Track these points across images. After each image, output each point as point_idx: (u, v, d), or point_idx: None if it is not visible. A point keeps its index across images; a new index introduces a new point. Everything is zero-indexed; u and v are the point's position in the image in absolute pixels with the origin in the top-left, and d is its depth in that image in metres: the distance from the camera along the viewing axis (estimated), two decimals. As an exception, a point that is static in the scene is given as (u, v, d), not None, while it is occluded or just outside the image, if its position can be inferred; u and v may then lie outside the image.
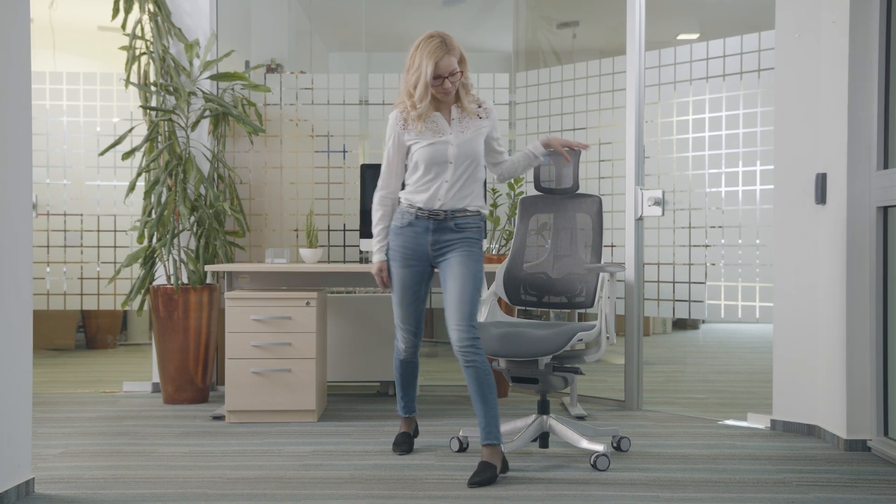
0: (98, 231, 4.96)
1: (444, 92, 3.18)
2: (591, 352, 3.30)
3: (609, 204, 4.46)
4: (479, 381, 3.02)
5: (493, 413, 3.03)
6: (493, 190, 4.64)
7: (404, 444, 3.44)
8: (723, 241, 4.11)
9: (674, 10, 6.55)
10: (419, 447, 3.49)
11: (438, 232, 3.20)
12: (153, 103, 4.55)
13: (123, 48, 4.56)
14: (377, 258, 3.31)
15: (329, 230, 4.86)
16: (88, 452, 3.43)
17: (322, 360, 4.16)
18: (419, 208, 3.21)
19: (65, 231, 4.96)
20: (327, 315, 4.51)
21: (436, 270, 3.27)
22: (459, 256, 3.18)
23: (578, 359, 3.31)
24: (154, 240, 4.48)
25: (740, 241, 4.06)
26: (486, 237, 3.30)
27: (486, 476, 2.97)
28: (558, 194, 3.56)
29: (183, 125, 4.51)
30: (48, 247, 4.95)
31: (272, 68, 5.62)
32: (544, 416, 3.33)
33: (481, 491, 2.89)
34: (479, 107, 3.29)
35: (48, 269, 4.96)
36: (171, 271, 4.47)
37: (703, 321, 8.52)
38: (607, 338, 3.28)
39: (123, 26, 4.56)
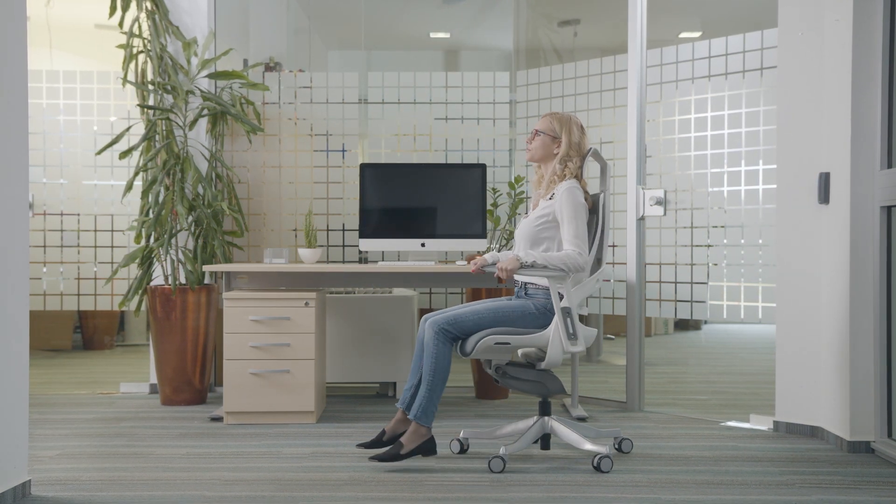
0: (95, 231, 4.93)
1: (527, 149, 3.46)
2: (545, 360, 3.19)
3: (610, 203, 4.42)
4: (429, 361, 3.18)
5: (424, 394, 3.16)
6: (493, 189, 4.62)
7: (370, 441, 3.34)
8: (725, 241, 4.09)
9: (675, 8, 6.53)
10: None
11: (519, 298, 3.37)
12: (151, 102, 4.53)
13: (121, 46, 4.54)
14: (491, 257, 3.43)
15: (328, 230, 4.83)
16: (85, 454, 3.40)
17: (321, 360, 4.13)
18: None
19: (62, 231, 4.93)
20: (326, 315, 4.48)
21: None
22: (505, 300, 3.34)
23: (536, 365, 3.26)
24: (152, 240, 4.45)
25: (743, 241, 4.03)
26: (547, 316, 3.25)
27: (388, 454, 3.15)
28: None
29: (181, 124, 4.48)
30: (45, 247, 4.92)
31: (271, 67, 5.59)
32: (546, 418, 3.30)
33: (482, 493, 2.86)
34: (556, 190, 3.33)
35: (45, 270, 4.93)
36: (169, 271, 4.44)
37: (706, 322, 8.49)
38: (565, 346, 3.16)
39: (121, 24, 4.53)
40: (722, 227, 4.10)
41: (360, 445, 3.33)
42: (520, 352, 3.36)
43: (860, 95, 3.42)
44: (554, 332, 3.17)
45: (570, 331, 3.16)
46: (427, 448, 3.20)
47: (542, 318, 3.23)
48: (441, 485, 2.96)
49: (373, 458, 3.17)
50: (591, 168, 4.55)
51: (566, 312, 3.16)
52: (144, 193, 4.44)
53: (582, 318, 4.39)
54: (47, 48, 5.99)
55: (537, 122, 3.45)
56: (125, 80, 4.52)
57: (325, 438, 3.65)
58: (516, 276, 3.34)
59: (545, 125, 3.39)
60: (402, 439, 3.19)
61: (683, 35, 6.95)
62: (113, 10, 4.50)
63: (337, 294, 4.72)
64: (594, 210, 3.42)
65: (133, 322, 6.97)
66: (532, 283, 3.31)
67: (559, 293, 3.16)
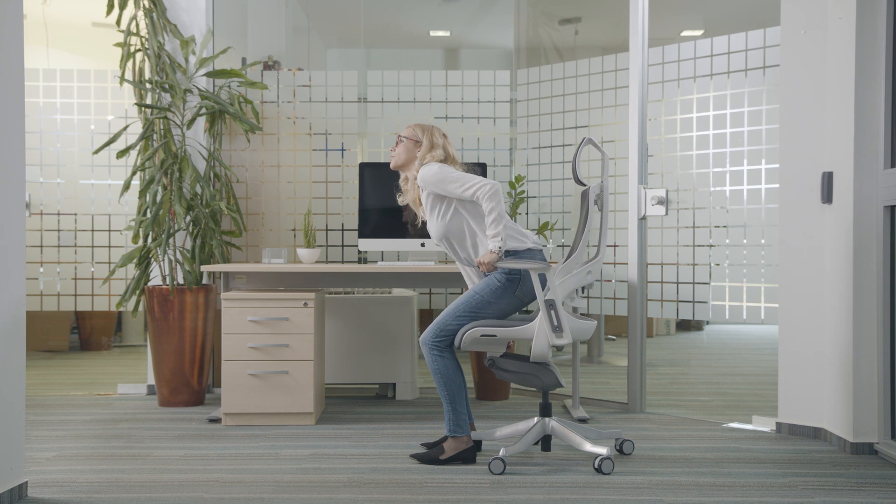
0: (92, 231, 4.91)
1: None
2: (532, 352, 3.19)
3: (612, 203, 4.41)
4: (436, 378, 3.26)
5: (447, 407, 3.24)
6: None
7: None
8: (727, 240, 4.06)
9: (677, 6, 6.51)
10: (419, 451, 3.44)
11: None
12: (148, 101, 4.50)
13: (118, 45, 4.51)
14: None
15: (327, 230, 4.80)
16: (82, 456, 3.38)
17: (320, 361, 4.10)
18: None
19: (58, 231, 4.90)
20: (325, 316, 4.45)
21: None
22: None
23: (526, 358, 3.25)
24: (149, 239, 4.43)
25: (745, 241, 4.01)
26: (510, 276, 3.23)
27: (427, 456, 3.26)
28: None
29: (178, 123, 4.45)
30: (41, 247, 4.89)
31: (269, 65, 5.57)
32: (546, 419, 3.28)
33: (482, 496, 2.84)
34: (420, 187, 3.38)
35: (41, 270, 4.90)
36: (167, 272, 4.42)
37: (708, 322, 8.47)
38: (554, 339, 3.14)
39: (118, 23, 4.50)
40: (724, 226, 4.07)
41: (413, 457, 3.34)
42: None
43: (863, 94, 3.39)
44: (539, 324, 3.14)
45: (555, 323, 3.13)
46: (466, 456, 3.25)
47: (511, 285, 3.23)
48: (441, 486, 2.94)
49: (413, 457, 3.29)
50: (593, 168, 4.53)
51: (550, 305, 3.13)
52: (142, 193, 4.41)
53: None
54: (44, 46, 5.97)
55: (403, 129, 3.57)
56: (122, 78, 4.50)
57: (323, 440, 3.62)
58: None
59: (409, 132, 3.46)
60: (444, 445, 3.27)
61: (685, 33, 6.93)
62: (110, 7, 4.48)
63: (336, 294, 4.69)
64: (583, 201, 3.35)
65: (130, 323, 6.95)
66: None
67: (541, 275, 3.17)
